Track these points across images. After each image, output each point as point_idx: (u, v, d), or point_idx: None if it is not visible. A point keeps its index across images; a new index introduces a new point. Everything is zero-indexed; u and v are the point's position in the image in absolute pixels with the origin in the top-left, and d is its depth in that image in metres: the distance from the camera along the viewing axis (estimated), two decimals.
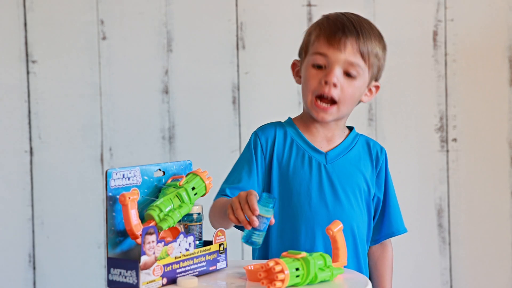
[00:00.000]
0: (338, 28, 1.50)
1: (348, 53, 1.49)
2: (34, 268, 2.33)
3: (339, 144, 1.57)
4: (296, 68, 1.59)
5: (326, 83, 1.49)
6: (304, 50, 1.56)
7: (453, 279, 2.36)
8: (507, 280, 2.37)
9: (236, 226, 1.46)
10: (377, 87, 1.59)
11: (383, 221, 1.62)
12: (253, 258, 1.62)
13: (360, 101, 1.58)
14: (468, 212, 2.36)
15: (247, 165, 1.55)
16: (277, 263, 1.22)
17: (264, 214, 1.31)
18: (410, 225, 2.40)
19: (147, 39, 2.34)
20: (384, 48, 1.57)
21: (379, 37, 1.56)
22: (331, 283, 1.29)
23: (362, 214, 1.56)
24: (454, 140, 2.36)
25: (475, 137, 2.36)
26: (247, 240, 1.33)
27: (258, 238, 1.33)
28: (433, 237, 2.36)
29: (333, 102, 1.51)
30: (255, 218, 1.30)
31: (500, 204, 2.36)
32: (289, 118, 1.60)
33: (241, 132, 2.34)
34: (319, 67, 1.50)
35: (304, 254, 1.26)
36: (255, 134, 1.57)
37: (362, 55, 1.50)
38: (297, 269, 1.24)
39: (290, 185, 1.53)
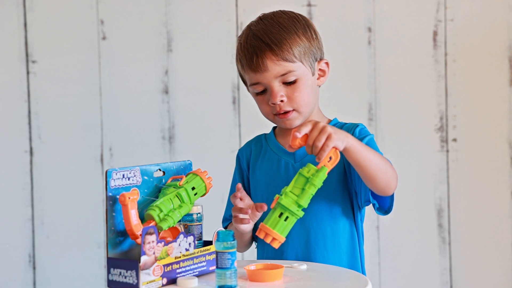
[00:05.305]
0: (251, 53, 1.50)
1: (272, 68, 1.48)
2: (34, 268, 2.33)
3: None
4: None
5: (273, 104, 1.51)
6: (243, 80, 1.59)
7: (453, 279, 2.36)
8: (507, 280, 2.37)
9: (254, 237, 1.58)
10: (326, 64, 1.56)
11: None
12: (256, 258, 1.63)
13: (319, 86, 1.56)
14: (468, 212, 2.36)
15: (236, 183, 1.58)
16: (266, 234, 1.28)
17: (222, 250, 1.25)
18: (410, 225, 2.40)
19: (147, 39, 2.33)
20: (304, 30, 1.52)
21: (293, 27, 1.51)
22: (330, 280, 1.28)
23: (337, 207, 1.52)
24: (454, 140, 2.35)
25: (475, 137, 2.36)
26: (220, 285, 1.25)
27: (228, 278, 1.25)
28: (433, 237, 2.36)
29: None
30: (240, 206, 1.43)
31: (500, 204, 2.36)
32: (273, 127, 1.63)
33: (241, 132, 2.34)
34: (261, 92, 1.52)
35: (276, 197, 1.30)
36: (237, 153, 1.65)
37: (286, 60, 1.49)
38: (280, 215, 1.29)
39: (263, 189, 1.57)
